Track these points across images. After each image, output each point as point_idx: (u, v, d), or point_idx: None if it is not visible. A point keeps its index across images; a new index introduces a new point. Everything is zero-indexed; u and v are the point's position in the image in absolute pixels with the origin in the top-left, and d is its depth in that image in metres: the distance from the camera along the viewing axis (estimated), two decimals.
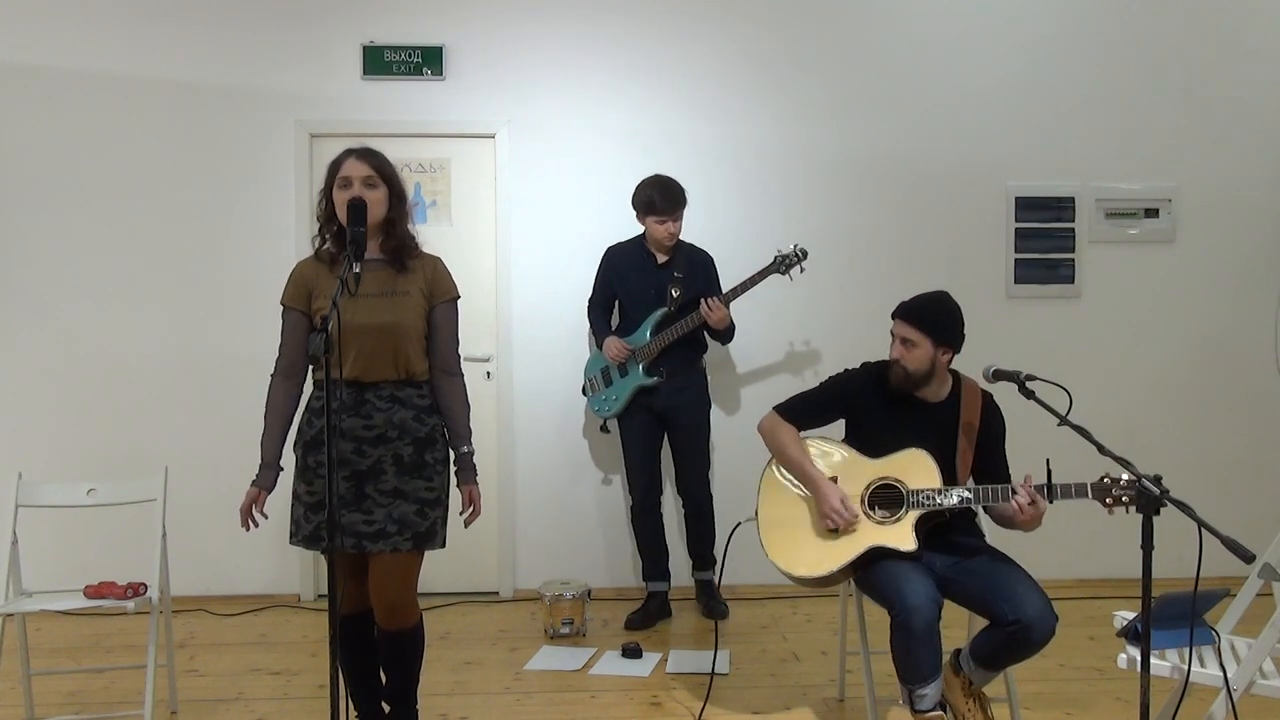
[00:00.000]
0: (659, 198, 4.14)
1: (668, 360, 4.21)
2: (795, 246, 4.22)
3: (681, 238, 4.29)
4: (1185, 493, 2.61)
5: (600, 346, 4.33)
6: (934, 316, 2.89)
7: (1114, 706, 3.34)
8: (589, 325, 4.48)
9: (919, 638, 2.63)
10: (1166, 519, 2.31)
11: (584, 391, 4.46)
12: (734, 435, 4.71)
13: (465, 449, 2.81)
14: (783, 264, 4.21)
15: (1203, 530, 2.15)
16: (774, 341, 4.80)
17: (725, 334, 4.25)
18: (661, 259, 4.26)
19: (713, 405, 4.44)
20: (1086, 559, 4.82)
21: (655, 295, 4.23)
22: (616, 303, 4.40)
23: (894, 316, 2.95)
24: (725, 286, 4.26)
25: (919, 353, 2.87)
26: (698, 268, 4.28)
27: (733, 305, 4.20)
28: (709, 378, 4.42)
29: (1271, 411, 4.93)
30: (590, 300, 4.45)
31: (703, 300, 4.10)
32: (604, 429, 4.49)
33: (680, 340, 4.18)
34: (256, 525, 2.73)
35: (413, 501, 2.67)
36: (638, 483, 4.30)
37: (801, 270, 4.24)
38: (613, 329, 4.36)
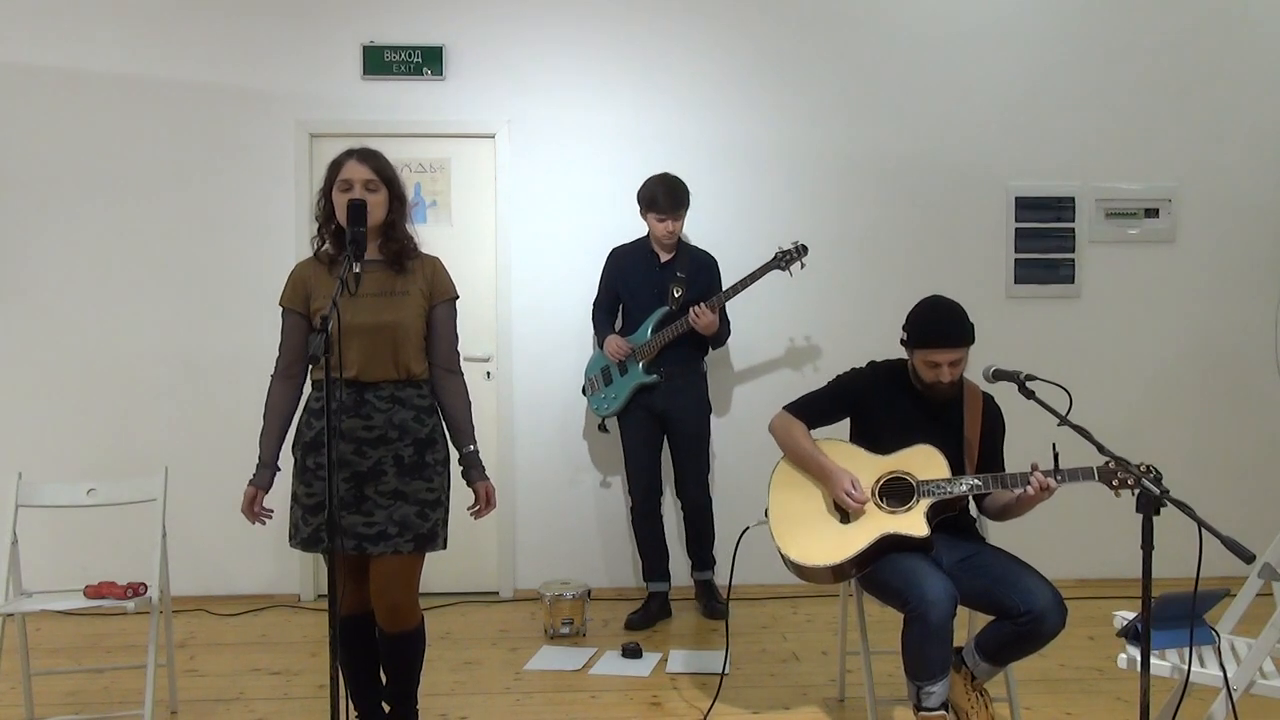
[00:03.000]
0: (662, 195, 4.16)
1: (668, 360, 4.21)
2: (795, 243, 4.25)
3: (682, 238, 4.31)
4: (1185, 493, 2.61)
5: (601, 346, 4.34)
6: (968, 328, 2.87)
7: (1114, 706, 3.34)
8: (592, 326, 4.48)
9: (935, 633, 2.63)
10: (1167, 519, 2.31)
11: (584, 391, 4.46)
12: (731, 434, 4.72)
13: (470, 447, 2.80)
14: (783, 259, 4.23)
15: (1203, 530, 2.15)
16: (773, 340, 4.80)
17: (716, 339, 4.26)
18: (665, 258, 4.27)
19: (711, 407, 4.42)
20: (1086, 559, 4.82)
21: (657, 295, 4.24)
22: (621, 305, 4.40)
23: (938, 345, 2.83)
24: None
25: (962, 365, 2.89)
26: (701, 268, 4.29)
27: (730, 306, 4.23)
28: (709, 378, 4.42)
29: (1271, 411, 4.93)
30: (595, 302, 4.45)
31: (690, 307, 4.10)
32: (602, 428, 4.48)
33: (680, 340, 4.18)
34: (270, 518, 2.74)
35: (413, 503, 2.67)
36: (638, 484, 4.30)
37: (802, 266, 4.25)
38: (615, 330, 4.36)
